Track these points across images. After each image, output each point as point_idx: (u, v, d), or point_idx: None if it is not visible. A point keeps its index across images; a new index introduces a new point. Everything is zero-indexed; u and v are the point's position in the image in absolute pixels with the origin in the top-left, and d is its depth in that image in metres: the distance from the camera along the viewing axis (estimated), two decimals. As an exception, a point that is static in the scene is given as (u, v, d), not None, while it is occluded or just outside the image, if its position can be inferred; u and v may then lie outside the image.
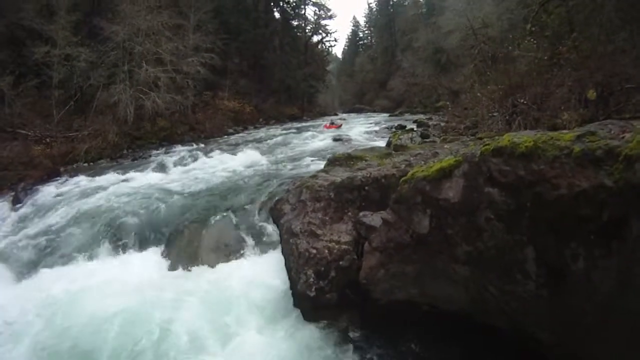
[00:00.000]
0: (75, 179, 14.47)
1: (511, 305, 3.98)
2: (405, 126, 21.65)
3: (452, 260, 4.28)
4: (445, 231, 4.19)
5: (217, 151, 17.49)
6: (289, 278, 5.86)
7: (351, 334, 5.34)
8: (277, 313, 5.84)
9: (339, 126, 25.79)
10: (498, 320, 4.30)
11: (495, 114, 12.97)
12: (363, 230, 5.49)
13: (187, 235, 8.32)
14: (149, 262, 7.77)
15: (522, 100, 11.76)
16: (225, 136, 25.23)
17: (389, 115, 37.44)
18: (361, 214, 5.76)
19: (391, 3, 76.49)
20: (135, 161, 18.35)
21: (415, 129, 18.43)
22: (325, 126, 25.06)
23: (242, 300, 6.05)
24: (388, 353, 5.03)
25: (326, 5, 54.37)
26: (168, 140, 23.31)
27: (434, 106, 33.71)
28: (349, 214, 6.08)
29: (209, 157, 15.63)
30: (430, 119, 24.53)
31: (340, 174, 6.83)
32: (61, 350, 5.47)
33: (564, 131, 3.74)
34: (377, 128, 23.34)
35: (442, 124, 19.67)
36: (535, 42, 14.56)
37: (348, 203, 6.20)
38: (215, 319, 5.76)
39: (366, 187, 6.30)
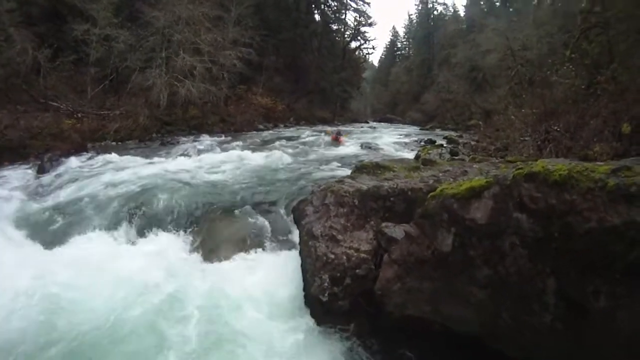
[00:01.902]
0: (102, 155, 14.78)
1: (524, 335, 3.93)
2: (435, 141, 21.49)
3: (470, 282, 4.22)
4: (468, 252, 4.13)
5: (246, 145, 17.63)
6: (304, 279, 5.89)
7: (359, 343, 5.31)
8: (287, 312, 5.88)
9: (340, 140, 20.64)
10: (509, 348, 4.24)
11: (527, 138, 12.82)
12: (384, 241, 5.46)
13: (208, 224, 8.44)
14: (165, 246, 7.85)
15: (555, 127, 11.60)
16: (255, 131, 25.37)
17: (420, 129, 37.25)
18: (383, 224, 5.73)
19: (432, 16, 76.24)
20: (163, 145, 18.60)
21: (444, 145, 18.32)
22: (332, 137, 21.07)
23: (255, 295, 6.12)
24: None
25: (367, 12, 54.32)
26: (198, 129, 23.57)
27: (465, 124, 33.44)
28: (372, 223, 6.06)
29: (237, 150, 15.74)
30: (461, 136, 24.33)
31: (366, 182, 6.80)
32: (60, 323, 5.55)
33: (599, 163, 3.68)
34: (406, 140, 23.21)
35: (472, 142, 19.48)
36: (573, 69, 14.35)
37: (372, 212, 6.18)
38: (225, 310, 5.82)
39: (392, 198, 6.27)
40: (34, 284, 6.13)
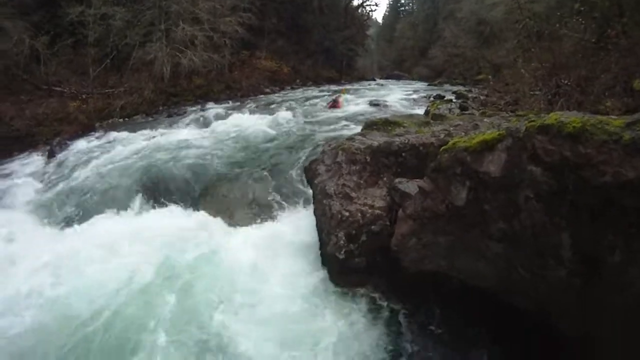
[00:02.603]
0: (110, 133, 14.77)
1: (539, 289, 3.93)
2: (444, 96, 21.12)
3: (485, 236, 4.21)
4: (482, 206, 4.09)
5: (253, 110, 17.56)
6: (320, 239, 5.93)
7: (376, 300, 5.41)
8: (304, 272, 5.96)
9: (339, 104, 18.68)
10: (523, 302, 4.26)
11: (537, 93, 12.56)
12: (397, 197, 5.43)
13: (220, 191, 8.57)
14: (181, 215, 7.97)
15: (565, 81, 11.33)
16: (262, 95, 25.13)
17: (428, 85, 36.65)
18: (397, 180, 5.69)
19: (434, -31, 74.27)
20: (171, 117, 18.52)
21: (454, 100, 18.06)
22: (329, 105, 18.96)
23: (271, 257, 6.22)
24: (410, 322, 5.09)
25: (367, -33, 53.02)
26: (204, 98, 23.41)
27: (474, 79, 32.76)
28: (384, 179, 6.05)
29: (244, 115, 15.64)
30: (470, 91, 23.84)
31: (377, 139, 6.75)
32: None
33: (613, 116, 3.56)
34: (415, 96, 22.82)
35: (482, 97, 19.13)
36: (583, 22, 13.94)
37: (384, 168, 6.15)
38: (243, 272, 5.94)
39: (403, 154, 6.23)
40: (59, 261, 6.28)
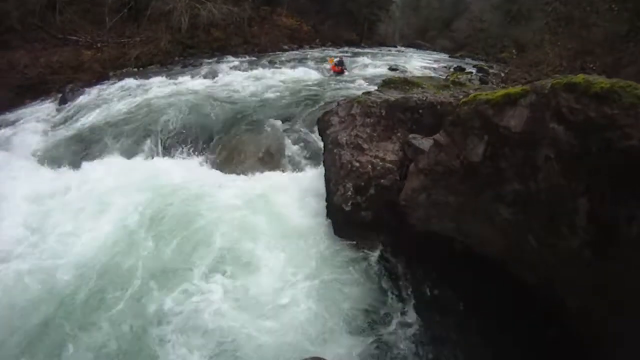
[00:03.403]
0: (124, 81, 14.58)
1: (547, 261, 3.82)
2: (465, 69, 20.67)
3: (498, 198, 4.07)
4: (499, 163, 3.95)
5: (269, 65, 17.30)
6: (327, 189, 5.86)
7: (379, 257, 5.34)
8: (308, 222, 5.93)
9: (341, 70, 16.54)
10: (530, 274, 4.16)
11: (559, 75, 12.24)
12: (410, 152, 5.31)
13: (232, 141, 8.47)
14: (192, 163, 8.01)
15: (591, 66, 11.03)
16: (280, 52, 24.69)
17: (449, 56, 35.96)
18: (411, 135, 5.58)
19: (467, -63, 71.84)
20: (186, 68, 18.27)
21: (474, 73, 17.68)
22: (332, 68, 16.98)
23: (276, 206, 6.23)
24: (410, 281, 5.04)
25: None
26: (221, 51, 23.03)
27: (496, 56, 32.03)
28: (398, 134, 5.89)
29: (260, 69, 15.39)
30: (491, 67, 23.29)
31: (394, 95, 6.58)
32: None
33: None
34: (435, 65, 22.35)
35: (503, 74, 18.74)
36: (616, 9, 13.42)
37: (399, 123, 5.99)
38: (247, 221, 5.92)
39: (420, 110, 6.05)
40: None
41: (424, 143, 5.20)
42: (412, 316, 4.62)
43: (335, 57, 18.83)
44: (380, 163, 5.42)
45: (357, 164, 5.45)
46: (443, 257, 4.96)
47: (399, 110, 6.09)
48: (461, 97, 6.25)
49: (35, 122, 10.86)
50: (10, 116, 11.91)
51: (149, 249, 5.45)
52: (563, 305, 3.91)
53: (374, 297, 4.84)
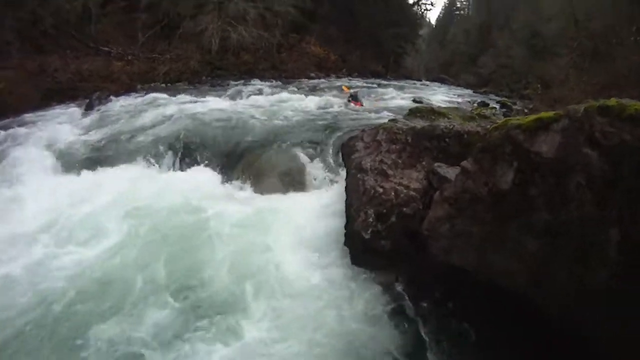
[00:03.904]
0: (151, 95, 14.82)
1: (571, 295, 3.67)
2: (488, 104, 20.68)
3: (525, 228, 3.91)
4: (528, 191, 3.81)
5: (296, 90, 17.38)
6: (347, 215, 5.72)
7: (396, 287, 5.20)
8: (325, 248, 5.78)
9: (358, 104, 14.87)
10: (552, 308, 3.97)
11: None
12: (435, 181, 5.20)
13: (251, 159, 8.49)
14: (210, 177, 8.04)
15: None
16: (306, 80, 24.93)
17: (473, 92, 36.07)
18: (436, 164, 5.47)
19: (493, -24, 72.69)
20: (213, 88, 18.59)
21: (498, 109, 17.62)
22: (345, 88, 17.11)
23: (293, 229, 6.09)
24: (429, 316, 4.85)
25: (426, -35, 52.15)
26: (249, 74, 23.34)
27: (520, 92, 31.95)
28: (423, 162, 5.80)
29: (286, 94, 15.48)
30: (515, 103, 23.29)
31: (420, 123, 6.52)
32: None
33: None
34: (459, 100, 22.29)
35: (526, 110, 18.66)
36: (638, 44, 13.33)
37: (425, 151, 5.91)
38: (260, 241, 5.84)
39: (446, 139, 5.98)
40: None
41: (450, 172, 5.09)
42: (429, 351, 4.45)
43: (351, 87, 18.12)
44: (404, 190, 5.30)
45: (381, 190, 5.34)
46: (464, 291, 4.79)
47: (425, 138, 6.02)
48: (488, 126, 6.18)
49: (60, 125, 11.05)
50: (37, 116, 12.16)
51: (151, 263, 5.40)
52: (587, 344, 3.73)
53: (391, 336, 4.62)
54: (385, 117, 11.65)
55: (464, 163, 4.45)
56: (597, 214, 3.34)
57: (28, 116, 12.16)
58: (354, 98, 15.12)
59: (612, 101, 3.33)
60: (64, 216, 6.30)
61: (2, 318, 4.55)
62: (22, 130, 10.42)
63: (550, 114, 3.77)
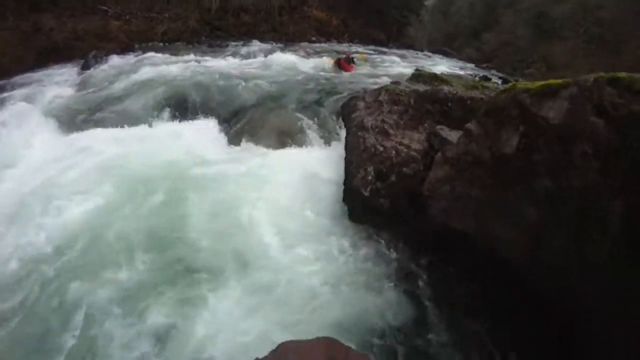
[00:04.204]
0: (148, 54, 14.76)
1: (571, 270, 3.64)
2: (491, 79, 20.55)
3: (526, 195, 3.89)
4: (532, 156, 3.79)
5: (296, 53, 17.18)
6: (346, 172, 5.72)
7: (392, 248, 5.18)
8: (324, 204, 5.80)
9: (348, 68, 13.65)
10: (552, 285, 3.95)
11: None
12: (437, 143, 5.19)
13: (251, 117, 8.49)
14: (209, 134, 7.99)
15: None
16: (307, 43, 24.64)
17: (475, 66, 35.82)
18: (438, 126, 5.45)
19: (505, -53, 71.27)
20: (212, 48, 18.42)
21: (500, 84, 17.52)
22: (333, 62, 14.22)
23: (291, 185, 6.11)
24: (427, 278, 4.85)
25: None
26: (249, 36, 23.04)
27: (523, 72, 31.80)
28: (425, 125, 5.75)
29: (286, 55, 15.27)
30: (517, 80, 23.17)
31: (423, 87, 6.45)
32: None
33: None
34: (461, 72, 22.21)
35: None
36: None
37: (427, 114, 5.85)
38: (260, 196, 5.83)
39: (449, 103, 5.91)
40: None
41: (452, 135, 5.08)
42: (428, 315, 4.46)
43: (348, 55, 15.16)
44: (405, 150, 5.28)
45: (381, 148, 5.33)
46: (463, 255, 4.78)
47: (428, 101, 5.96)
48: (492, 94, 6.11)
49: (56, 85, 11.05)
50: (33, 76, 12.21)
51: (142, 220, 5.39)
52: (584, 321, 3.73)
53: (388, 298, 4.61)
54: (384, 83, 11.64)
55: (468, 125, 4.41)
56: (601, 183, 3.32)
57: (23, 77, 12.17)
58: (346, 61, 13.98)
59: (623, 74, 3.31)
60: (52, 176, 6.30)
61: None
62: (16, 92, 10.42)
63: (559, 81, 3.74)
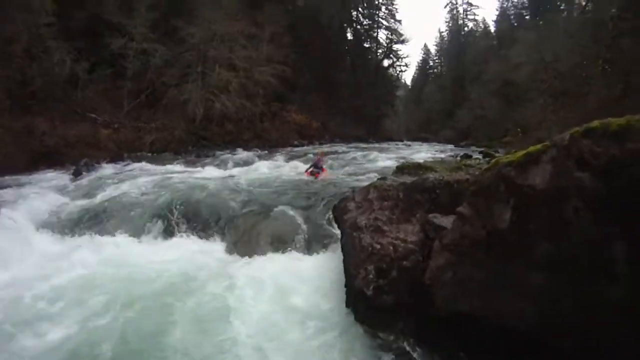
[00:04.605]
0: (138, 164, 15.24)
1: (589, 322, 3.60)
2: (472, 156, 21.12)
3: (527, 265, 3.88)
4: (527, 226, 3.81)
5: (282, 158, 17.67)
6: (346, 274, 5.67)
7: (403, 343, 5.04)
8: (327, 310, 5.73)
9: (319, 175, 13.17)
10: (570, 342, 3.87)
11: None
12: (432, 231, 5.23)
13: (244, 226, 8.48)
14: (201, 244, 8.05)
15: None
16: (290, 148, 25.38)
17: (454, 146, 36.80)
18: (431, 215, 5.52)
19: (462, 32, 75.52)
20: (199, 157, 19.05)
21: (481, 159, 18.00)
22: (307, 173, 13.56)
23: (293, 294, 6.03)
24: None
25: (398, 30, 54.78)
26: (233, 144, 23.87)
27: (500, 141, 32.81)
28: (417, 215, 5.82)
29: (272, 162, 15.77)
30: (497, 151, 23.81)
31: (409, 179, 6.60)
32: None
33: None
34: (442, 155, 22.93)
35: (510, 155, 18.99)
36: (609, 69, 13.95)
37: (417, 205, 5.93)
38: (263, 308, 5.75)
39: (437, 190, 6.01)
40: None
41: (445, 221, 5.15)
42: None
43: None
44: (402, 244, 5.32)
45: (378, 246, 5.36)
46: (474, 338, 4.67)
47: (417, 192, 6.06)
48: (477, 173, 6.26)
49: (46, 190, 11.15)
50: (25, 179, 12.54)
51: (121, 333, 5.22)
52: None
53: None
54: (370, 179, 11.89)
55: (460, 209, 4.49)
56: (599, 232, 3.36)
57: (15, 178, 12.44)
58: (316, 167, 13.42)
59: (595, 123, 3.44)
60: (34, 288, 6.15)
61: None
62: (9, 192, 10.55)
63: (538, 146, 3.84)
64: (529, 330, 4.15)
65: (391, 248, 5.30)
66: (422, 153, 23.38)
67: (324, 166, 13.82)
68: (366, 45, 53.58)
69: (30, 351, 4.97)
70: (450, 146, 37.42)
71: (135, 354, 4.91)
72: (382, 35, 54.14)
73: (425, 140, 55.39)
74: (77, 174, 13.34)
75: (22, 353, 4.93)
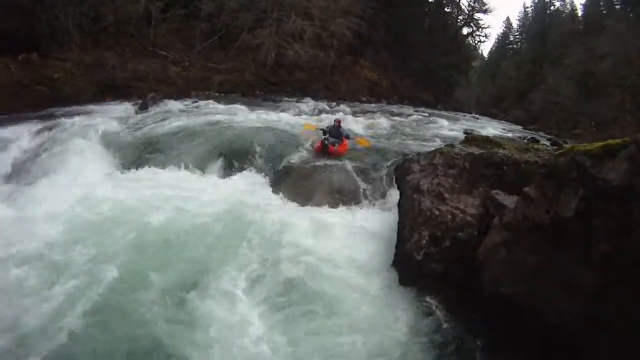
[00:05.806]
0: (205, 102, 15.46)
1: (632, 333, 3.56)
2: (539, 141, 20.41)
3: (582, 261, 3.85)
4: (592, 220, 3.76)
5: (350, 112, 17.51)
6: (399, 236, 5.75)
7: (441, 315, 5.03)
8: (372, 268, 5.76)
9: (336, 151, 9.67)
10: (604, 344, 3.83)
11: None
12: (493, 208, 5.19)
13: (304, 174, 8.62)
14: (259, 187, 8.21)
15: None
16: (358, 103, 25.06)
17: (522, 128, 35.56)
18: (494, 191, 5.46)
19: (548, 12, 71.48)
20: (266, 102, 19.00)
21: (549, 146, 17.39)
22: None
23: (341, 246, 6.11)
24: (473, 350, 4.66)
25: (482, -2, 52.20)
26: (302, 92, 23.75)
27: (570, 132, 31.35)
28: (480, 189, 5.76)
29: (343, 114, 15.60)
30: (566, 142, 22.89)
31: (477, 151, 6.49)
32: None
33: None
34: (510, 135, 22.22)
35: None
36: None
37: (481, 178, 5.87)
38: (308, 252, 5.86)
39: (505, 167, 5.92)
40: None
41: (508, 200, 5.10)
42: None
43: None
44: (461, 215, 5.33)
45: (437, 212, 5.39)
46: (511, 327, 4.58)
47: (483, 165, 5.98)
48: (547, 157, 6.11)
49: (113, 121, 11.49)
50: (93, 109, 13.01)
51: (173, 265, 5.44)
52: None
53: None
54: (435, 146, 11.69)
55: (527, 189, 4.44)
56: None
57: (83, 108, 12.94)
58: (330, 136, 9.92)
59: None
60: (101, 210, 6.47)
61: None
62: (78, 121, 10.98)
63: (618, 141, 3.76)
64: (568, 328, 4.10)
65: (450, 217, 5.34)
66: (490, 129, 22.68)
67: (345, 135, 10.28)
68: (447, 10, 51.65)
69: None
70: (519, 127, 36.05)
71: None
72: (464, 1, 51.95)
73: (494, 116, 53.62)
74: (143, 108, 13.70)
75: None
